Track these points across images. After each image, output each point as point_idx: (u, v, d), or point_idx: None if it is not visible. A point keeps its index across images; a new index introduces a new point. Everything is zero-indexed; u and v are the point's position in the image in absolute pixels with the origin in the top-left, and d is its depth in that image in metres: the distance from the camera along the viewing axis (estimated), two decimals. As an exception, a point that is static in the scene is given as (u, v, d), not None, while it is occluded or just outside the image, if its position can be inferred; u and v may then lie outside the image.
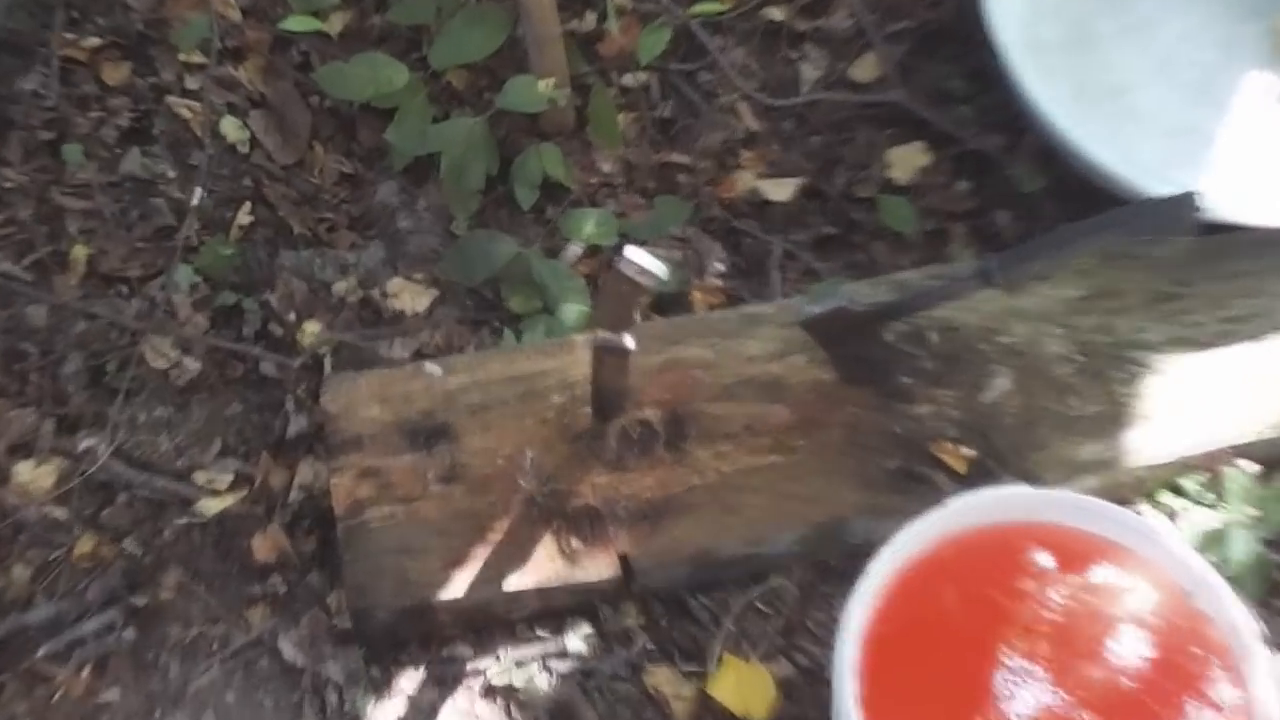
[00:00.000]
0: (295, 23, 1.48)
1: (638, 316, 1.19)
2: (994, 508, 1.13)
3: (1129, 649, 1.08)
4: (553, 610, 1.26)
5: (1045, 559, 1.12)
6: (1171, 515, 1.28)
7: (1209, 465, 1.29)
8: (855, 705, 1.03)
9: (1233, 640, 1.07)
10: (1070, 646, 1.08)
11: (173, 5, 1.56)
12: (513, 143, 1.48)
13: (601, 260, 1.43)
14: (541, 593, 1.24)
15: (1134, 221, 1.23)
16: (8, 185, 1.47)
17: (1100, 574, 1.11)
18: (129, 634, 1.25)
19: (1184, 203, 1.21)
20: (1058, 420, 1.30)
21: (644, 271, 1.10)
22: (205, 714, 1.23)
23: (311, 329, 1.41)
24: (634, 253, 1.10)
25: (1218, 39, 1.54)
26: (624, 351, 1.22)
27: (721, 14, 1.58)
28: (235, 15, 1.56)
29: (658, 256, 1.13)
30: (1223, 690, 1.05)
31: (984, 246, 1.46)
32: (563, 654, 1.25)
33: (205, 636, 1.26)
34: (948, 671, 1.08)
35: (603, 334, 1.20)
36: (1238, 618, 1.07)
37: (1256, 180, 1.44)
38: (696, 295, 1.44)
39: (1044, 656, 1.08)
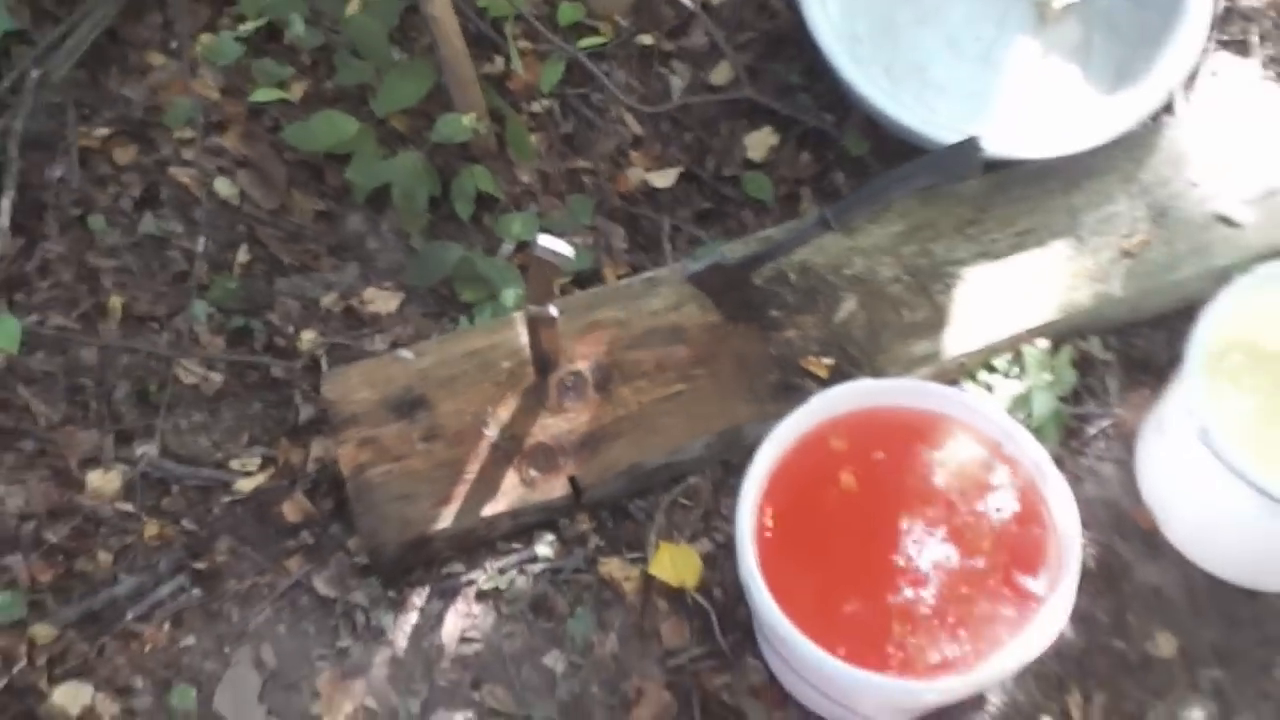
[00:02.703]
0: (263, 94, 1.59)
1: (558, 290, 1.32)
2: (847, 398, 1.27)
3: (959, 489, 1.25)
4: (522, 527, 1.39)
5: (890, 432, 1.27)
6: (989, 388, 1.43)
7: (1012, 347, 1.44)
8: (755, 563, 1.17)
9: (1035, 472, 1.24)
10: (921, 488, 1.24)
11: (163, 93, 1.65)
12: (450, 168, 1.57)
13: (529, 252, 1.52)
14: (512, 514, 1.36)
15: (934, 166, 1.39)
16: (49, 256, 1.56)
17: (934, 437, 1.26)
18: (196, 592, 1.36)
19: (969, 146, 1.38)
20: (895, 328, 1.44)
21: (555, 254, 1.20)
22: (263, 646, 1.35)
23: (308, 336, 1.52)
24: (546, 240, 1.20)
25: (994, 17, 1.65)
26: (551, 319, 1.33)
27: (604, 44, 1.66)
28: (214, 95, 1.65)
29: (566, 241, 1.25)
30: (1035, 510, 1.23)
31: (827, 202, 1.55)
32: (534, 559, 1.38)
33: (256, 585, 1.38)
34: (825, 524, 1.23)
35: (533, 308, 1.31)
36: (1036, 455, 1.24)
37: (1031, 123, 1.58)
38: (607, 270, 1.54)
39: (895, 497, 1.23)
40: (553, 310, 1.32)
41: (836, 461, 1.25)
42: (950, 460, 1.25)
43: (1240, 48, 1.71)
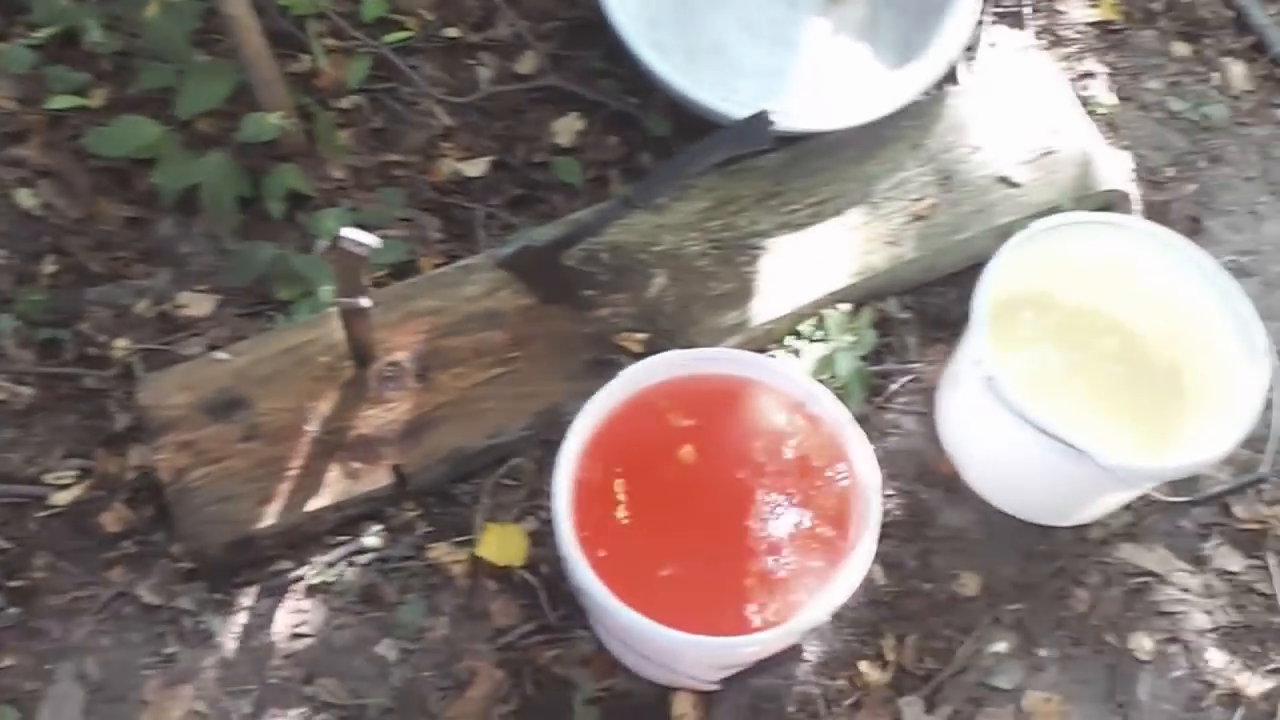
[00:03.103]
0: (61, 101, 1.53)
1: (367, 281, 1.28)
2: (657, 369, 1.28)
3: (766, 449, 1.27)
4: (348, 519, 1.38)
5: (699, 399, 1.28)
6: (796, 352, 1.47)
7: (816, 311, 1.48)
8: (571, 536, 1.17)
9: (837, 428, 1.27)
10: (731, 451, 1.25)
11: (-44, 107, 1.59)
12: (260, 168, 1.54)
13: (336, 245, 1.49)
14: (336, 507, 1.35)
15: (727, 140, 1.41)
16: None
17: (741, 401, 1.28)
18: (13, 611, 1.31)
19: (760, 120, 1.41)
20: (704, 300, 1.47)
21: (360, 244, 1.19)
22: (87, 659, 1.31)
23: (121, 344, 1.47)
24: (350, 232, 1.19)
25: (784, -1, 1.71)
26: (363, 311, 1.31)
27: (409, 38, 1.64)
28: (11, 105, 1.59)
29: (380, 234, 1.22)
30: (838, 465, 1.26)
31: (635, 182, 1.56)
32: (361, 551, 1.38)
33: (77, 599, 1.33)
34: (644, 491, 1.24)
35: (344, 300, 1.29)
36: (838, 412, 1.27)
37: (824, 97, 1.63)
38: (423, 261, 1.52)
39: (708, 461, 1.25)
40: (364, 302, 1.30)
41: (653, 430, 1.26)
42: (757, 422, 1.28)
43: (1015, 20, 1.79)
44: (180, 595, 1.34)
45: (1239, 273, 1.63)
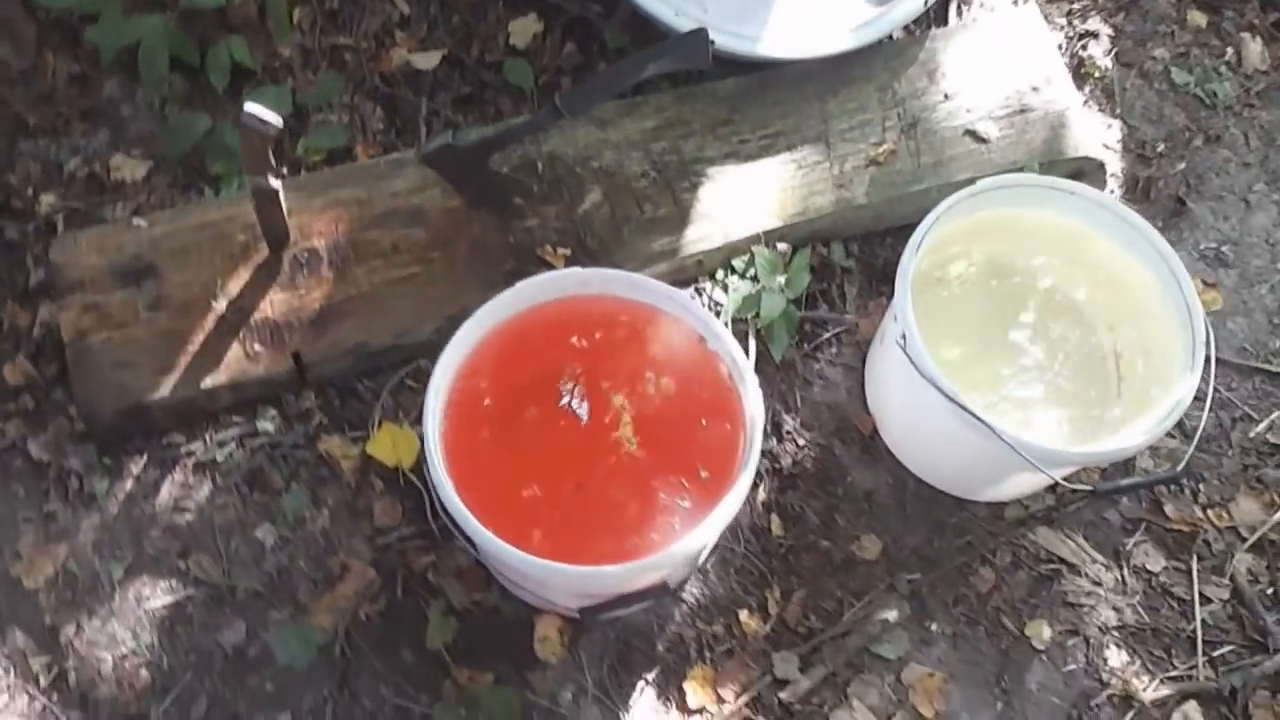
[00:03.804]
0: (12, -53, 1.55)
1: (273, 159, 1.26)
2: (557, 285, 1.26)
3: (658, 380, 1.25)
4: (245, 401, 1.39)
5: (595, 321, 1.27)
6: (726, 288, 1.44)
7: (750, 247, 1.45)
8: (437, 446, 1.16)
9: (732, 367, 1.25)
10: (620, 378, 1.24)
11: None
12: (209, 37, 1.54)
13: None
14: (234, 387, 1.36)
15: (664, 55, 1.37)
16: None
17: (641, 328, 1.26)
18: (-98, 455, 1.34)
19: (699, 37, 1.36)
20: (636, 223, 1.45)
21: (263, 122, 1.19)
22: (-32, 508, 1.34)
23: (47, 200, 1.48)
24: (252, 107, 1.18)
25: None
26: (273, 191, 1.31)
27: (375, -81, 1.65)
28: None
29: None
30: (726, 404, 1.23)
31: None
32: (254, 434, 1.39)
33: (-33, 448, 1.36)
34: (520, 404, 1.23)
35: (253, 178, 1.28)
36: (734, 351, 1.24)
37: (798, 26, 1.56)
38: (360, 150, 1.52)
39: (593, 385, 1.23)
40: (274, 182, 1.30)
41: (543, 348, 1.25)
42: (650, 352, 1.26)
43: (1019, -34, 1.72)
44: (70, 455, 1.36)
45: (1217, 263, 1.57)
